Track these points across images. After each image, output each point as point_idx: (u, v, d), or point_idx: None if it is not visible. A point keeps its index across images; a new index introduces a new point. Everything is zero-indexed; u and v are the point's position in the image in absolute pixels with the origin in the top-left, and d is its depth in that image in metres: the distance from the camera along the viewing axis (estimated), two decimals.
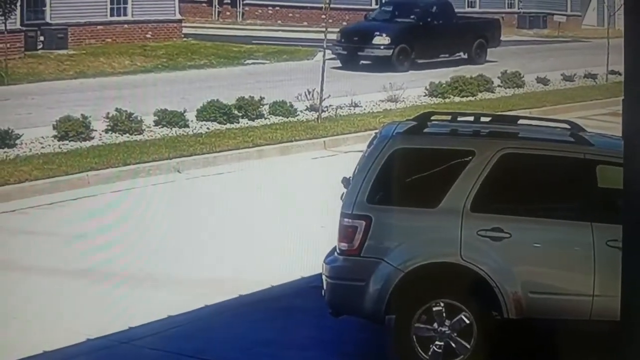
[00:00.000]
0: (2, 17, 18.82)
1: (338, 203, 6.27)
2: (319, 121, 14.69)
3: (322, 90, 15.09)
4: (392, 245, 6.01)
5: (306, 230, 9.10)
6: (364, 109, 16.06)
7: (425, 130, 6.42)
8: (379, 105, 16.53)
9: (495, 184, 6.07)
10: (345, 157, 12.27)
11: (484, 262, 5.93)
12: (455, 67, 21.35)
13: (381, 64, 21.10)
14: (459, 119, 6.98)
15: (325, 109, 15.26)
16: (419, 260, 5.96)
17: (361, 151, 6.77)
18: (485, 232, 5.94)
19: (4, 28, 18.99)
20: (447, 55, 22.60)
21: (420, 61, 21.60)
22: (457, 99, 17.46)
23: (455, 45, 22.84)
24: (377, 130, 6.96)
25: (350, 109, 15.91)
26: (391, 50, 21.32)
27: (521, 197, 6.17)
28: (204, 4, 34.44)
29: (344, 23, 26.57)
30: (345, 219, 6.07)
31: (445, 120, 6.96)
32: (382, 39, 21.56)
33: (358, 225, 6.00)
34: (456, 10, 24.42)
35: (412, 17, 22.59)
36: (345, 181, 6.37)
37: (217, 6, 34.40)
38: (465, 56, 22.95)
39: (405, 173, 6.18)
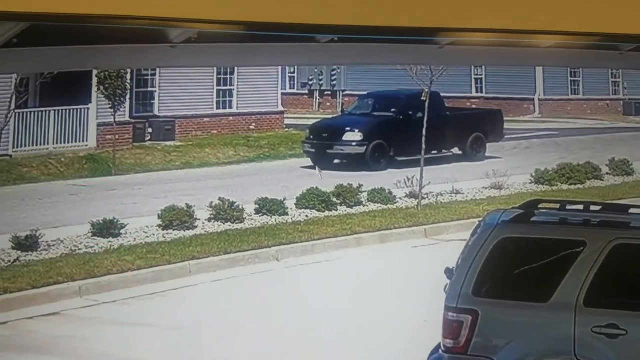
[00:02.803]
0: (112, 110, 19.73)
1: (441, 295, 6.02)
2: (419, 208, 14.46)
3: (421, 176, 14.92)
4: (501, 342, 5.74)
5: (408, 324, 8.78)
6: (466, 196, 15.74)
7: (533, 218, 6.20)
8: (482, 192, 16.18)
9: (609, 277, 5.79)
10: (447, 246, 11.96)
11: None
12: (447, 164, 19.42)
13: (354, 162, 18.89)
14: (567, 207, 6.69)
15: (426, 196, 15.05)
16: (531, 359, 5.67)
17: (464, 240, 6.55)
18: (600, 328, 5.65)
19: (113, 120, 19.90)
20: (435, 152, 19.75)
21: (400, 159, 19.08)
22: (564, 186, 16.97)
23: (446, 140, 20.32)
24: (481, 219, 6.73)
25: (451, 196, 15.63)
26: (364, 147, 19.22)
27: (636, 290, 5.86)
28: (305, 96, 35.73)
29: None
30: (450, 313, 5.82)
31: (553, 208, 6.70)
32: (353, 135, 19.29)
33: (464, 320, 5.75)
34: (558, 97, 23.28)
35: (392, 110, 20.07)
36: (449, 272, 6.14)
37: (317, 97, 35.53)
38: (460, 152, 20.87)
39: (512, 264, 5.93)
